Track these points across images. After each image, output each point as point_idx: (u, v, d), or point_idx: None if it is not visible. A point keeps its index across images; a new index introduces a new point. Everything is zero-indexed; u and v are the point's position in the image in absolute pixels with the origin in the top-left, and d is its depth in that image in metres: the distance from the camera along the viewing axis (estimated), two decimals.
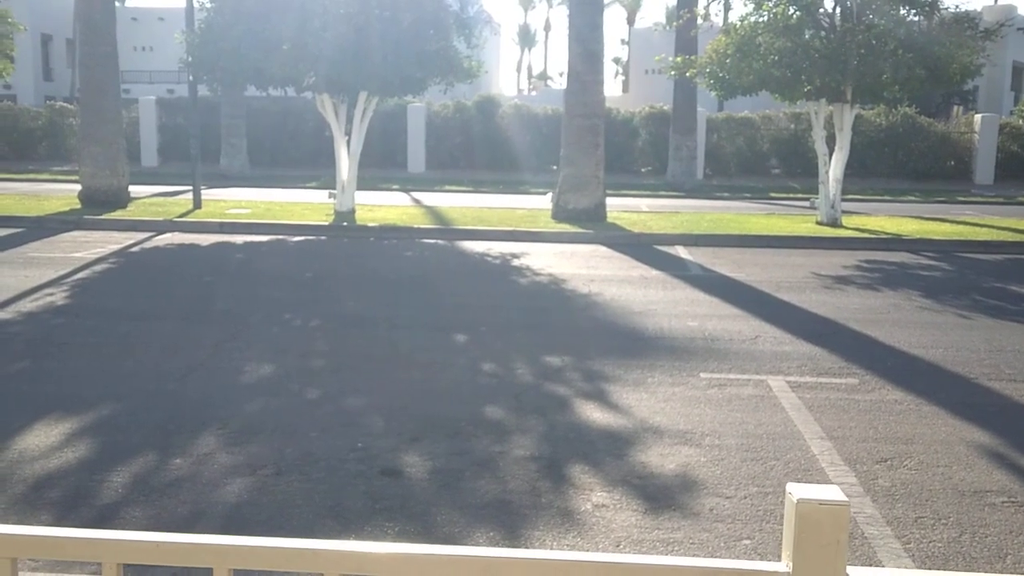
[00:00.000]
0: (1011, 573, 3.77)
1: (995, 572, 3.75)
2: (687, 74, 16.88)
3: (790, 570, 1.39)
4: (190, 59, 15.58)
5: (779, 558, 1.43)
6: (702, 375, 6.51)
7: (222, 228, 14.80)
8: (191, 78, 16.61)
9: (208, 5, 15.70)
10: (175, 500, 4.25)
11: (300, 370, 6.61)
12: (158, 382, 6.17)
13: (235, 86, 18.09)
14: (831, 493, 1.38)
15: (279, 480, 4.49)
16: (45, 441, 4.96)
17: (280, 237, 14.19)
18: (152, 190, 20.69)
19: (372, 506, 4.23)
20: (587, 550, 3.87)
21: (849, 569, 1.38)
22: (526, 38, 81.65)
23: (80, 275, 10.31)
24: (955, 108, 30.45)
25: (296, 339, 7.63)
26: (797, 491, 1.38)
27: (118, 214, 15.72)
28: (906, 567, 3.79)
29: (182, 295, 9.59)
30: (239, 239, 13.89)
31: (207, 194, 18.86)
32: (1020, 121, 28.28)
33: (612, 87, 67.49)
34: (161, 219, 15.24)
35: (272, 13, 14.47)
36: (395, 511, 4.18)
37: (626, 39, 65.58)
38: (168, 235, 14.21)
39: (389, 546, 1.44)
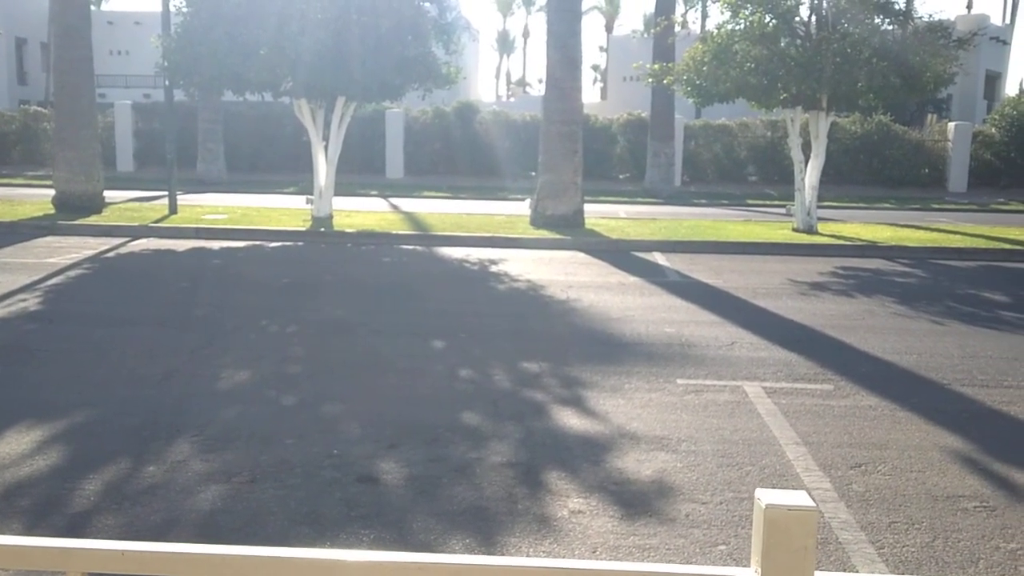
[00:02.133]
0: None
1: None
2: (664, 81, 16.98)
3: (759, 575, 1.38)
4: (166, 64, 15.47)
5: None
6: (679, 381, 6.53)
7: (198, 234, 14.70)
8: (167, 83, 16.50)
9: (185, 9, 15.60)
10: (148, 508, 4.21)
11: (277, 376, 6.57)
12: (133, 389, 6.12)
13: (212, 91, 17.96)
14: (799, 499, 1.38)
15: (254, 487, 4.46)
16: (16, 448, 4.90)
17: (257, 243, 14.11)
18: (128, 195, 20.52)
19: (348, 513, 4.21)
20: (563, 556, 3.87)
21: (817, 574, 1.37)
22: (505, 44, 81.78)
23: (54, 281, 10.21)
24: (929, 116, 30.73)
25: (273, 345, 7.58)
26: (765, 497, 1.38)
27: (93, 219, 15.57)
28: (880, 572, 3.81)
29: (158, 301, 9.51)
30: (216, 245, 13.80)
31: (184, 199, 18.73)
32: (993, 129, 28.61)
33: (590, 94, 67.65)
34: (137, 224, 15.11)
35: (249, 18, 14.39)
36: (371, 518, 4.17)
37: (604, 46, 65.83)
38: (144, 241, 14.09)
39: (356, 553, 1.43)
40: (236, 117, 27.83)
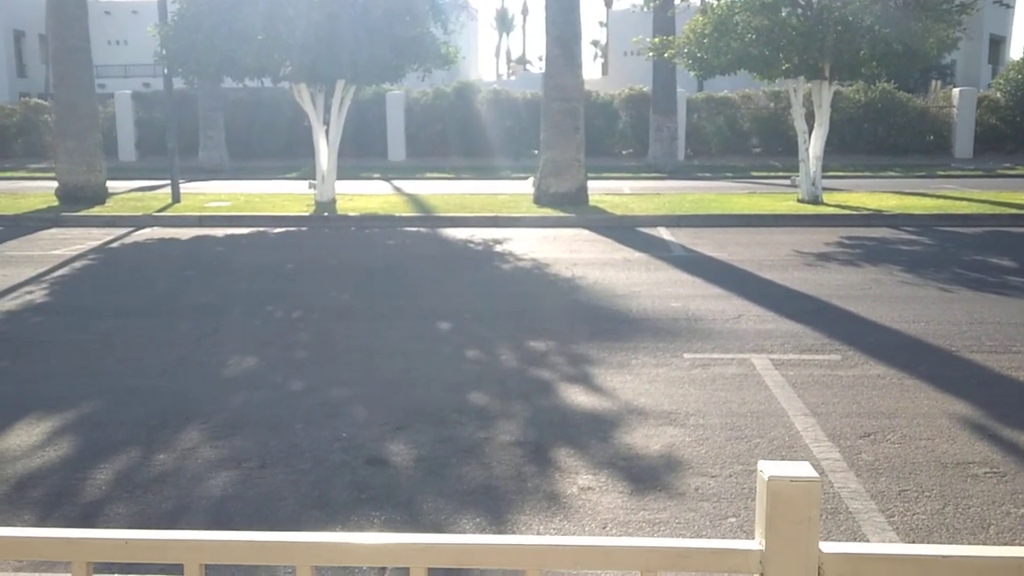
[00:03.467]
0: (993, 544, 3.79)
1: (979, 543, 3.78)
2: (665, 55, 16.87)
3: (763, 547, 1.38)
4: (164, 52, 15.43)
5: None
6: (686, 355, 6.53)
7: (202, 221, 14.70)
8: (166, 71, 16.46)
9: None
10: (159, 496, 4.23)
11: (283, 362, 6.58)
12: (140, 378, 6.14)
13: (211, 78, 17.92)
14: (802, 470, 1.37)
15: (264, 473, 4.48)
16: (27, 440, 4.92)
17: (261, 229, 14.11)
18: (130, 185, 20.52)
19: (358, 496, 4.23)
20: (574, 533, 3.89)
21: (821, 544, 1.38)
22: (504, 23, 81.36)
23: (59, 272, 10.23)
24: (933, 83, 30.51)
25: (278, 331, 7.59)
26: (768, 468, 1.37)
27: (96, 210, 15.58)
28: (891, 540, 3.82)
29: (163, 290, 9.52)
30: (219, 232, 13.81)
31: (186, 187, 18.73)
32: (998, 94, 28.37)
33: (591, 70, 67.24)
34: (140, 214, 15.12)
35: (245, 3, 14.34)
36: (381, 500, 4.18)
37: (604, 21, 65.40)
38: (148, 230, 14.10)
39: (359, 536, 1.44)
40: (236, 104, 27.77)
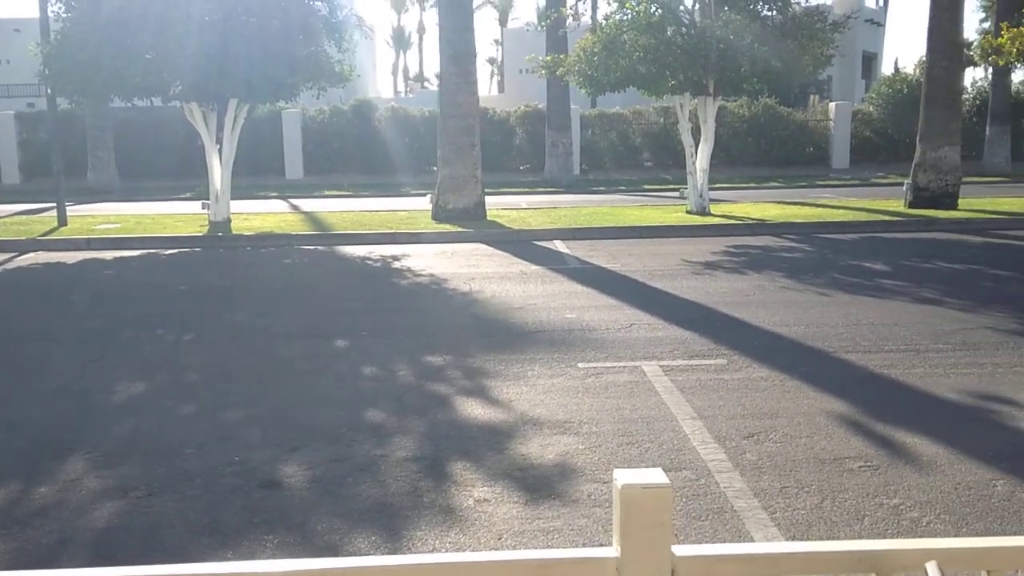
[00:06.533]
0: (866, 538, 3.95)
1: (854, 534, 3.95)
2: (557, 72, 17.19)
3: (619, 554, 1.40)
4: (47, 71, 14.88)
5: None
6: (580, 365, 6.66)
7: (90, 245, 14.20)
8: (49, 91, 15.87)
9: (65, 15, 15.04)
10: (40, 531, 4.09)
11: (174, 386, 6.44)
12: (21, 408, 5.91)
13: (97, 97, 17.37)
14: (654, 477, 1.40)
15: (152, 501, 4.38)
16: None
17: (152, 251, 13.72)
18: (14, 209, 19.66)
19: (250, 520, 4.17)
20: (469, 546, 3.93)
21: (675, 548, 1.41)
22: (400, 41, 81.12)
23: None
24: (812, 97, 31.91)
25: (169, 354, 7.41)
26: (622, 477, 1.40)
27: None
28: (773, 536, 3.97)
29: (47, 316, 9.16)
30: (108, 255, 13.36)
31: (74, 210, 18.04)
32: (871, 108, 29.89)
33: (488, 87, 67.89)
34: (23, 238, 14.50)
35: (132, 21, 13.97)
36: (274, 523, 4.14)
37: (499, 39, 66.06)
38: (31, 255, 13.54)
39: (239, 565, 1.40)
40: (127, 124, 26.94)
